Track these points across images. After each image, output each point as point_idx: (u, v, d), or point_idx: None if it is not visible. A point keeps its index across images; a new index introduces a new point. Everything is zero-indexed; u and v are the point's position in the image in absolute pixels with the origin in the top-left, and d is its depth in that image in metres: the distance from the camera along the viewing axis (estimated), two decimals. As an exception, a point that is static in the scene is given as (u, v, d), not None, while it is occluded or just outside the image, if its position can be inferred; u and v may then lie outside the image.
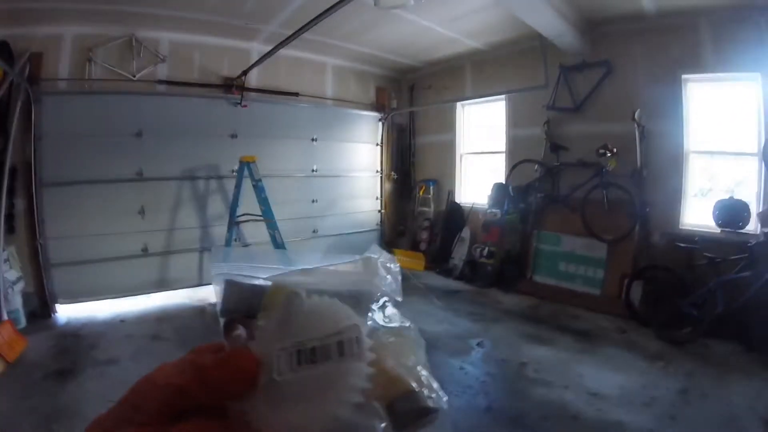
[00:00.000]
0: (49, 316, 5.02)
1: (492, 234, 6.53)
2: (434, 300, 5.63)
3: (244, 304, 0.36)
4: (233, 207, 5.86)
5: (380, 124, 8.33)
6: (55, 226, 5.12)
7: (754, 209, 4.53)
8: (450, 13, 5.42)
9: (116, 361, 3.87)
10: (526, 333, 4.68)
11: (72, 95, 5.22)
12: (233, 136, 6.36)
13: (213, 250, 0.42)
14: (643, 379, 3.61)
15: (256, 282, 0.37)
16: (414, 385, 0.34)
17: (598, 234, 5.50)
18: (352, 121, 7.94)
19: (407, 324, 0.40)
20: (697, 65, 4.93)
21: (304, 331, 0.32)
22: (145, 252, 5.75)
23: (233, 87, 6.34)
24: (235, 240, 5.98)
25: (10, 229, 4.81)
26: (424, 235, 8.01)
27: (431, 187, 8.16)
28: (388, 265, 0.42)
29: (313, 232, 7.28)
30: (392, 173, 8.56)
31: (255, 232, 6.03)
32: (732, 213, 4.55)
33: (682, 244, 4.68)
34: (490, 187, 6.80)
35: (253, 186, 5.57)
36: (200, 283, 6.02)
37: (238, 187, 5.80)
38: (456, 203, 7.73)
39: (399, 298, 0.41)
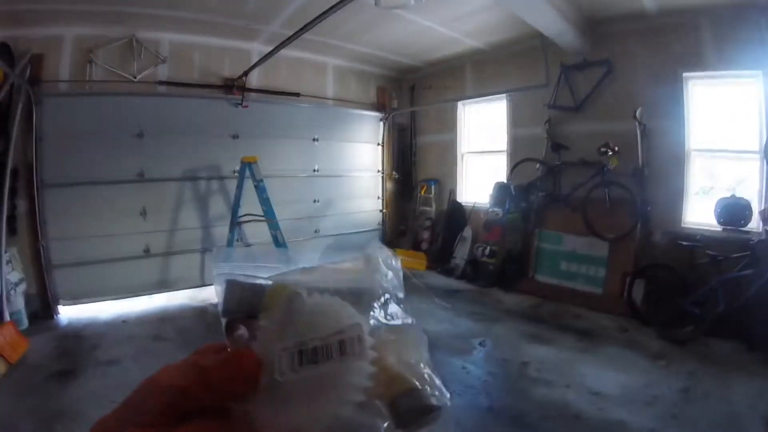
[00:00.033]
0: (51, 317, 5.03)
1: (493, 233, 6.53)
2: (435, 299, 5.62)
3: (245, 304, 0.36)
4: (235, 207, 5.86)
5: (381, 123, 8.33)
6: (56, 228, 5.13)
7: (756, 207, 4.52)
8: (451, 12, 5.42)
9: (118, 362, 3.88)
10: (527, 332, 4.68)
11: (73, 96, 5.23)
12: (234, 136, 6.37)
13: (214, 251, 0.42)
14: (644, 378, 3.60)
15: (257, 282, 0.37)
16: (416, 382, 0.34)
17: (600, 233, 5.50)
18: (353, 121, 7.94)
19: (409, 321, 0.40)
20: (698, 64, 4.92)
21: (306, 330, 0.33)
22: (146, 253, 5.76)
23: (234, 87, 6.35)
24: (237, 240, 5.98)
25: (12, 230, 4.82)
26: (426, 235, 8.01)
27: (432, 187, 8.16)
28: (389, 261, 0.42)
29: (315, 232, 7.29)
30: (393, 173, 8.56)
31: (257, 232, 6.03)
32: (733, 211, 4.54)
33: (683, 243, 4.68)
34: (492, 186, 6.79)
35: (255, 186, 5.58)
36: (202, 284, 6.03)
37: (239, 187, 5.81)
38: (457, 203, 7.73)
39: (401, 295, 0.41)
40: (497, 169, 7.23)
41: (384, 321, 0.38)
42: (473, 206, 7.35)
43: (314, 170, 7.28)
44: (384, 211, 8.49)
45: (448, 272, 7.05)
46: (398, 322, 0.39)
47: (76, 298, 5.25)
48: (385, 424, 0.32)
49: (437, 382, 0.35)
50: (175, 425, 0.31)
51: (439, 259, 7.43)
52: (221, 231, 6.11)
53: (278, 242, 5.51)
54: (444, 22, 5.81)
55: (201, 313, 5.23)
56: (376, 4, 3.92)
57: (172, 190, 5.95)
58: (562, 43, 5.52)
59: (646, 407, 3.18)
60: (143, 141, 5.62)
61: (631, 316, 4.96)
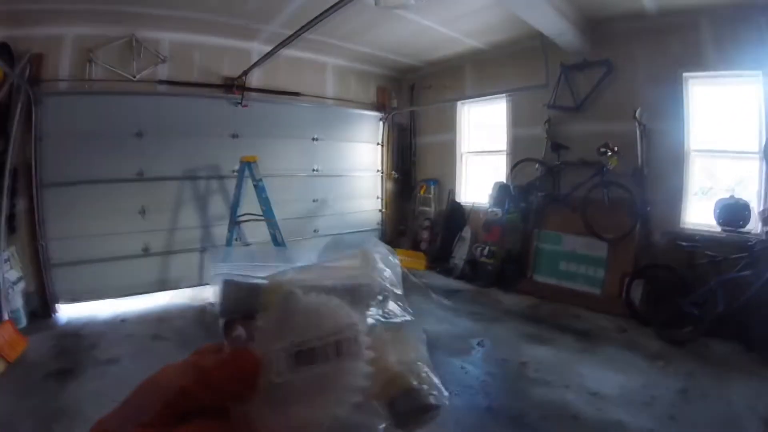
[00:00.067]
0: (50, 316, 5.03)
1: (493, 233, 6.53)
2: (433, 295, 5.62)
3: (243, 305, 0.36)
4: (234, 207, 5.86)
5: (381, 123, 8.33)
6: (55, 227, 5.13)
7: (755, 208, 4.52)
8: (450, 12, 5.42)
9: (117, 361, 3.88)
10: (526, 332, 4.68)
11: (73, 96, 5.23)
12: (234, 136, 6.37)
13: (212, 251, 0.42)
14: (643, 379, 3.61)
15: (254, 281, 0.37)
16: (414, 382, 0.34)
17: (599, 233, 5.50)
18: (352, 120, 7.95)
19: (408, 318, 0.40)
20: (698, 64, 4.93)
21: (302, 331, 0.33)
22: (145, 252, 5.76)
23: (234, 87, 6.35)
24: (236, 240, 5.98)
25: (11, 229, 4.81)
26: (425, 235, 8.01)
27: (432, 187, 8.16)
28: (386, 257, 0.42)
29: (314, 231, 7.29)
30: (393, 173, 8.56)
31: (256, 231, 6.03)
32: (733, 212, 4.54)
33: (682, 243, 4.68)
34: (491, 186, 6.80)
35: (254, 186, 5.57)
36: (201, 283, 6.02)
37: (238, 187, 5.81)
38: (457, 203, 7.73)
39: (399, 291, 0.41)
40: (497, 169, 7.23)
41: (382, 318, 0.38)
42: (472, 206, 7.35)
43: (313, 170, 7.28)
44: (383, 210, 8.50)
45: (447, 272, 7.05)
46: (396, 319, 0.39)
47: (74, 297, 5.25)
48: (383, 425, 0.32)
49: (435, 381, 0.35)
50: (175, 425, 0.31)
51: (438, 259, 7.43)
52: (221, 230, 6.11)
53: (277, 241, 5.51)
54: (444, 22, 5.80)
55: (200, 312, 5.22)
56: (375, 3, 3.92)
57: (171, 190, 5.95)
58: (562, 43, 5.52)
59: (644, 408, 3.18)
60: (143, 140, 5.62)
61: (630, 316, 4.96)
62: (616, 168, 5.34)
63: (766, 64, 4.44)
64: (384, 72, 8.27)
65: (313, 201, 7.28)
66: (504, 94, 6.89)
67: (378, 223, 8.45)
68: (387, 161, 8.48)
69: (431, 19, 5.64)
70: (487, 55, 7.02)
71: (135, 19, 5.28)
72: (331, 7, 4.00)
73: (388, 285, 0.40)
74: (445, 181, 8.08)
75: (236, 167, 5.96)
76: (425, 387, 0.34)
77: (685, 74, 5.03)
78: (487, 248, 6.52)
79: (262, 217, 5.64)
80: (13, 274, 4.70)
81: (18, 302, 4.69)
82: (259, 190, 5.56)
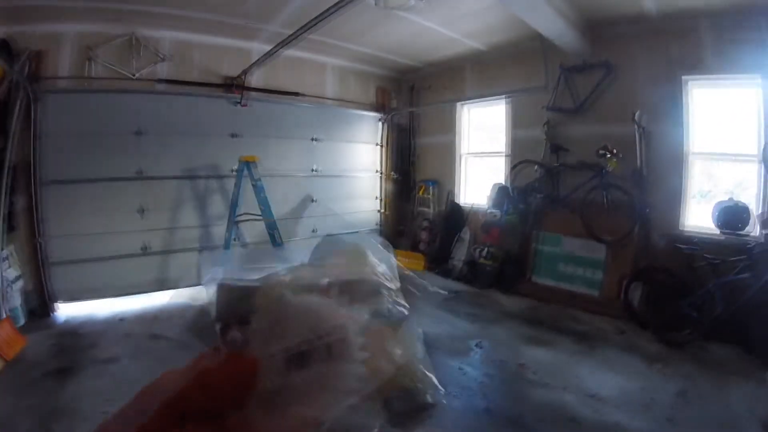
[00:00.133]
0: (49, 314, 5.02)
1: (492, 235, 6.54)
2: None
3: (237, 308, 0.36)
4: (233, 206, 5.85)
5: (381, 124, 8.34)
6: (54, 225, 5.12)
7: (754, 211, 4.52)
8: (451, 13, 5.42)
9: (115, 360, 3.87)
10: (525, 334, 4.68)
11: (72, 94, 5.22)
12: (233, 135, 6.37)
13: (205, 256, 0.42)
14: (641, 381, 3.61)
15: (248, 284, 0.37)
16: (410, 381, 0.34)
17: (598, 235, 5.50)
18: (352, 121, 7.94)
19: (404, 311, 0.40)
20: (698, 67, 4.93)
21: (292, 334, 0.32)
22: (144, 251, 5.75)
23: (233, 86, 6.35)
24: (235, 240, 5.98)
25: (10, 227, 4.81)
26: (424, 236, 8.01)
27: (431, 188, 8.16)
28: (379, 252, 0.42)
29: (313, 231, 7.28)
30: (392, 173, 8.56)
31: (255, 231, 6.03)
32: (732, 215, 4.54)
33: (681, 246, 4.69)
34: (491, 187, 6.80)
35: (253, 185, 5.57)
36: (200, 283, 5.99)
37: (237, 186, 5.79)
38: (456, 204, 7.73)
39: (393, 285, 0.41)
40: (496, 171, 7.23)
41: (377, 315, 0.38)
42: (472, 207, 7.35)
43: (312, 170, 7.28)
44: (382, 211, 8.49)
45: (446, 273, 7.05)
46: (391, 315, 0.39)
47: (73, 296, 5.24)
48: (379, 424, 0.32)
49: (431, 379, 0.34)
50: (174, 429, 0.31)
51: (437, 260, 7.43)
52: (220, 230, 6.10)
53: (276, 241, 5.50)
54: (444, 23, 5.81)
55: (199, 312, 5.22)
56: (375, 3, 3.92)
57: (170, 189, 5.94)
58: (562, 45, 5.52)
59: (643, 410, 3.18)
60: (142, 139, 5.61)
61: (629, 318, 4.96)
62: (615, 170, 5.34)
63: (765, 67, 4.44)
64: (384, 72, 8.28)
65: (312, 201, 7.27)
66: (503, 96, 6.89)
67: (377, 224, 8.45)
68: (386, 162, 8.48)
69: (431, 19, 5.64)
70: (487, 56, 7.02)
71: (135, 17, 5.28)
72: (330, 7, 4.00)
73: (382, 280, 0.40)
74: (444, 182, 8.08)
75: (235, 167, 5.95)
76: (420, 386, 0.34)
77: (684, 77, 5.04)
78: (486, 249, 6.52)
79: (261, 217, 5.63)
80: (11, 273, 4.69)
81: (17, 300, 4.68)
82: (258, 189, 5.55)
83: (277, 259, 0.43)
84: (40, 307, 5.02)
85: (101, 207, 5.38)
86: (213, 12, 5.36)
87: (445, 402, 0.34)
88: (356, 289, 0.37)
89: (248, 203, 5.76)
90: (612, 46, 5.57)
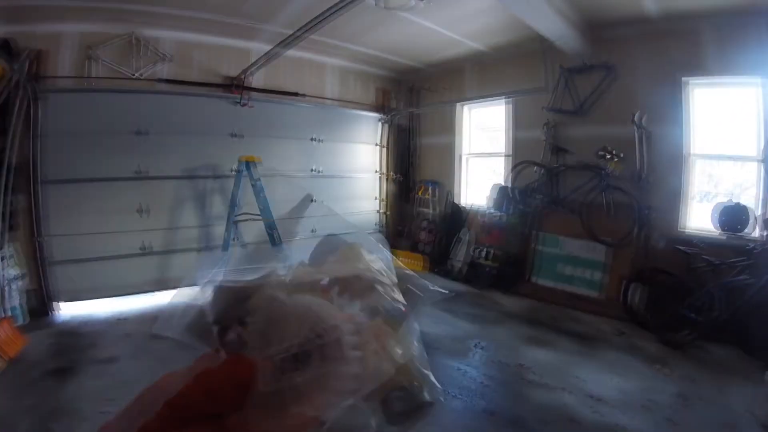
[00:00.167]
0: (49, 314, 5.02)
1: (492, 235, 6.54)
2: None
3: (233, 310, 0.36)
4: (232, 206, 5.85)
5: (381, 124, 8.33)
6: (55, 224, 5.12)
7: (754, 213, 4.52)
8: (452, 14, 5.42)
9: (115, 360, 3.87)
10: (525, 335, 4.68)
11: (73, 93, 5.22)
12: (234, 135, 6.37)
13: (200, 258, 0.42)
14: (641, 383, 3.61)
15: (243, 286, 0.37)
16: (406, 380, 0.34)
17: (598, 236, 5.50)
18: (353, 121, 7.94)
19: (401, 308, 0.40)
20: (699, 68, 4.93)
21: (286, 336, 0.32)
22: (144, 251, 5.74)
23: (234, 86, 6.35)
24: (234, 240, 5.98)
25: (10, 226, 4.80)
26: (424, 236, 8.01)
27: (432, 188, 8.15)
28: (374, 248, 0.42)
29: (312, 231, 7.27)
30: (393, 174, 8.56)
31: (254, 231, 6.02)
32: (732, 216, 4.55)
33: (682, 247, 4.69)
34: (491, 188, 6.80)
35: (252, 185, 5.57)
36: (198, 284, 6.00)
37: (237, 186, 5.80)
38: (456, 204, 7.73)
39: (389, 281, 0.41)
40: (496, 172, 7.23)
41: (373, 311, 0.37)
42: (471, 208, 7.35)
43: (312, 170, 7.28)
44: (382, 212, 8.49)
45: (446, 274, 7.05)
46: (387, 310, 0.39)
47: (73, 295, 5.24)
48: (375, 424, 0.32)
49: (429, 377, 0.34)
50: (175, 430, 0.31)
51: (438, 261, 7.43)
52: (220, 230, 6.10)
53: (275, 241, 5.50)
54: (445, 24, 5.80)
55: (199, 312, 5.21)
56: (375, 4, 3.92)
57: (171, 188, 5.93)
58: (563, 46, 5.51)
59: (643, 411, 3.18)
60: (143, 138, 5.61)
61: (629, 319, 4.97)
62: (615, 171, 5.35)
63: (765, 68, 4.44)
64: (384, 73, 8.28)
65: (312, 201, 7.26)
66: (504, 97, 6.89)
67: (377, 224, 8.44)
68: (387, 162, 8.48)
69: (432, 20, 5.63)
70: (488, 57, 7.01)
71: (136, 17, 5.28)
72: (331, 7, 4.00)
73: (377, 276, 0.40)
74: (444, 183, 8.07)
75: (235, 166, 5.95)
76: (417, 385, 0.34)
77: (685, 78, 5.04)
78: (486, 250, 6.53)
79: (260, 217, 5.63)
80: (12, 272, 4.69)
81: (17, 300, 4.67)
82: (257, 189, 5.55)
83: (276, 259, 0.43)
84: (40, 306, 5.01)
85: (101, 206, 5.38)
86: (213, 12, 5.36)
87: (443, 401, 0.34)
88: (353, 287, 0.37)
89: (248, 203, 5.76)
90: (612, 47, 5.57)
